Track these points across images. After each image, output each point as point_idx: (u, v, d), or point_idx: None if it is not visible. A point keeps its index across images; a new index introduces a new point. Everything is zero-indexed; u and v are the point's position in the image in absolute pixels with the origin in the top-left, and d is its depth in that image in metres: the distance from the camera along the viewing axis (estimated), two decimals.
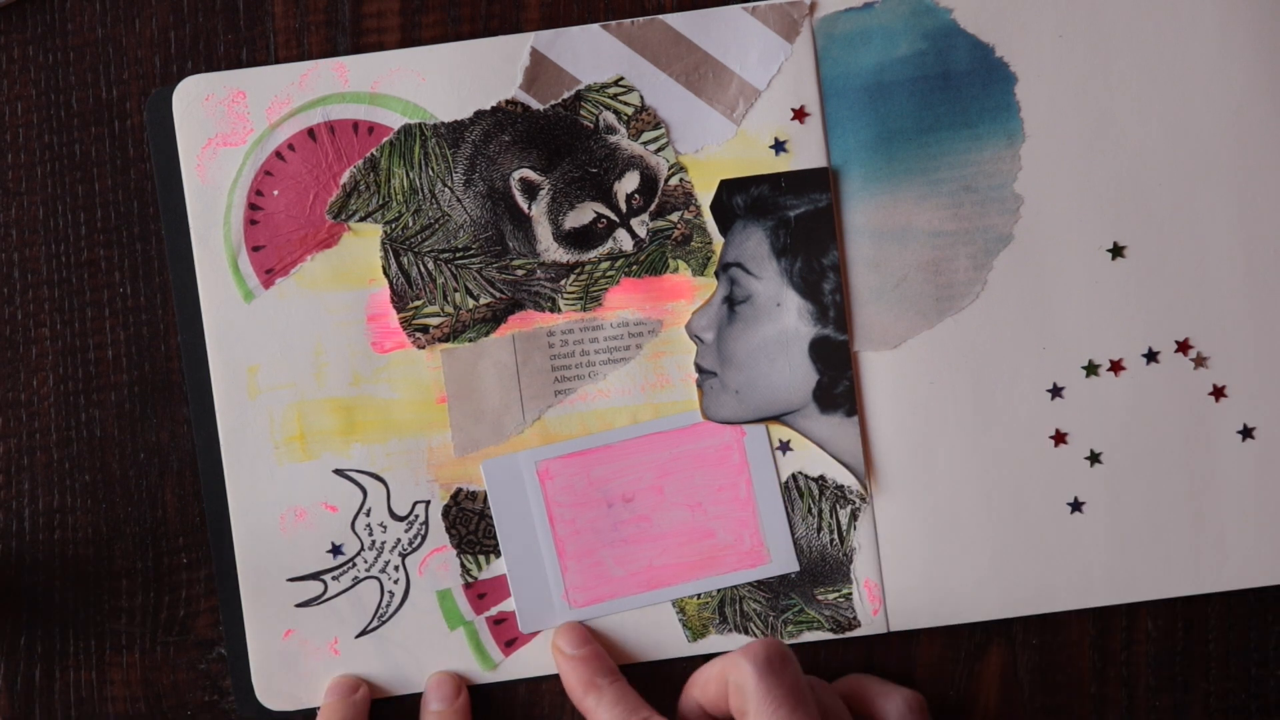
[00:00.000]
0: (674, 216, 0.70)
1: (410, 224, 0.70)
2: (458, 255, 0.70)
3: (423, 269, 0.70)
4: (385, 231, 0.70)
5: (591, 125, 0.70)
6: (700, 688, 0.68)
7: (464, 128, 0.70)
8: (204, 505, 0.70)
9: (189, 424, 0.71)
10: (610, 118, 0.70)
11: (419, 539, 0.71)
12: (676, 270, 0.71)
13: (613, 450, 0.71)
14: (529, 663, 0.71)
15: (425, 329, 0.70)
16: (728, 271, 0.70)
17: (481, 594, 0.71)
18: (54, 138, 0.70)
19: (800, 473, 0.71)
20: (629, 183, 0.70)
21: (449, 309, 0.70)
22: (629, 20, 0.70)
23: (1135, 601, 0.72)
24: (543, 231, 0.70)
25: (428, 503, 0.70)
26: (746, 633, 0.71)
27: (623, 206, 0.70)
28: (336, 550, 0.70)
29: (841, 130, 0.70)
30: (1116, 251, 0.71)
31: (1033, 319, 0.71)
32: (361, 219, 0.70)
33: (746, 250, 0.70)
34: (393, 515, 0.70)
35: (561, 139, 0.70)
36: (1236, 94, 0.71)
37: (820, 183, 0.70)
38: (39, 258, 0.70)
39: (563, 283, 0.70)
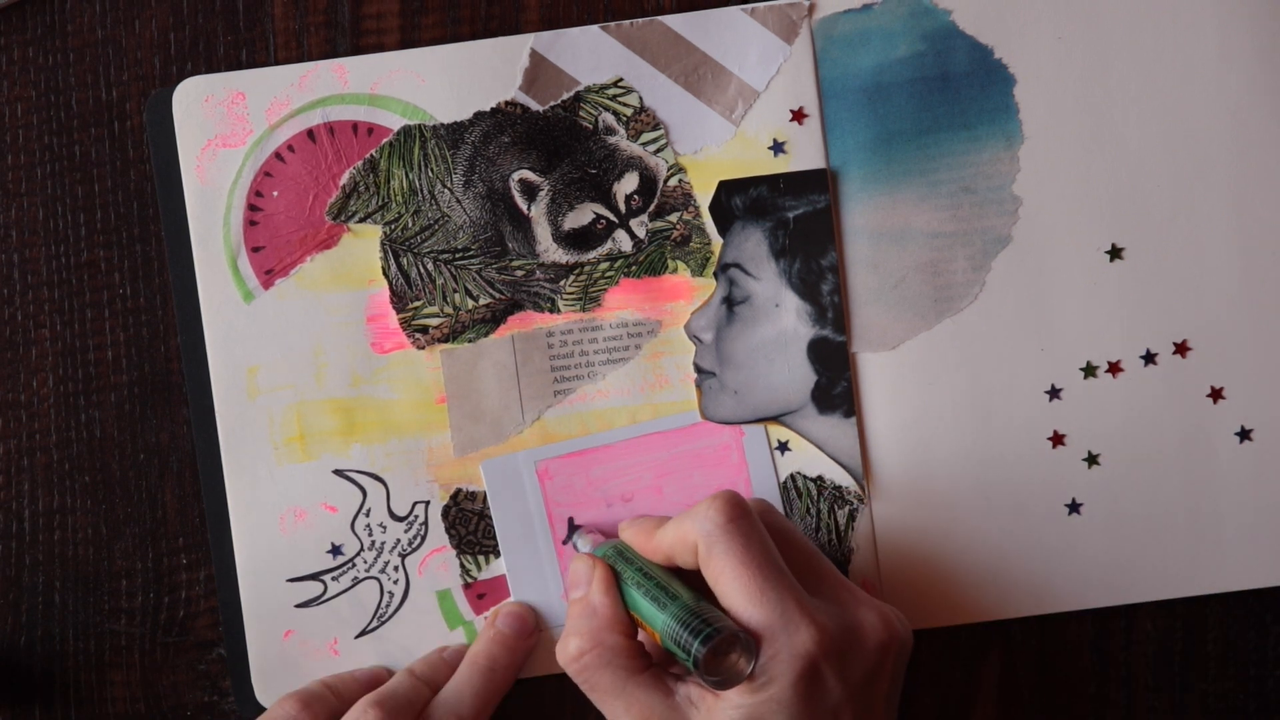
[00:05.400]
0: (673, 217, 0.71)
1: (410, 225, 0.70)
2: (457, 256, 0.70)
3: (422, 270, 0.70)
4: (385, 232, 0.70)
5: (591, 126, 0.70)
6: (669, 545, 0.64)
7: (463, 129, 0.70)
8: (204, 505, 0.70)
9: (189, 424, 0.71)
10: (609, 119, 0.70)
11: (419, 539, 0.71)
12: (675, 271, 0.71)
13: (612, 450, 0.71)
14: (529, 662, 0.71)
15: (425, 329, 0.70)
16: (726, 272, 0.70)
17: (481, 594, 0.71)
18: (54, 139, 0.70)
19: (799, 473, 0.71)
20: (628, 183, 0.70)
21: (448, 309, 0.70)
22: (628, 21, 0.70)
23: (1134, 602, 0.72)
24: (542, 232, 0.70)
25: (427, 503, 0.71)
26: None
27: (622, 207, 0.70)
28: (336, 550, 0.70)
29: (840, 131, 0.70)
30: (1115, 253, 0.71)
31: (1031, 320, 0.71)
32: (361, 220, 0.70)
33: (745, 251, 0.70)
34: (392, 515, 0.70)
35: (561, 140, 0.70)
36: (1234, 96, 0.71)
37: (819, 184, 0.70)
38: (39, 259, 0.71)
39: (562, 283, 0.70)
